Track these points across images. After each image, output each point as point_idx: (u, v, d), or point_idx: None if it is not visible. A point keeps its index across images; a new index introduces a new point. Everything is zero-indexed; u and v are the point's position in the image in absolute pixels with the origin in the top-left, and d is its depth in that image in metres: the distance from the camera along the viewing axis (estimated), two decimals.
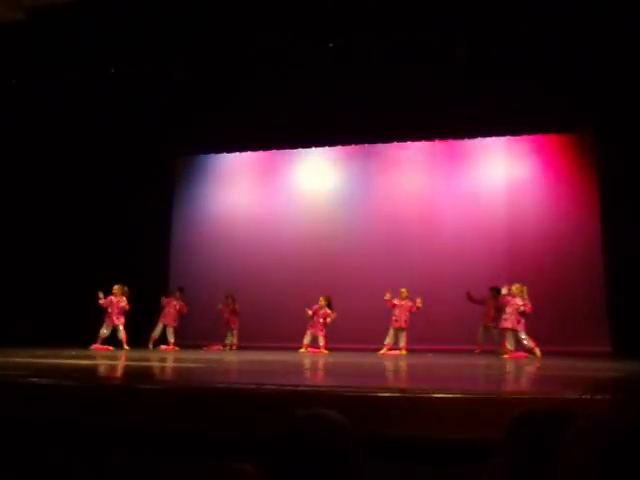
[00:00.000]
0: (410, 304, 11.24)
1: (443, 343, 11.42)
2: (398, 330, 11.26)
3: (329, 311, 11.63)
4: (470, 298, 11.29)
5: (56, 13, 10.60)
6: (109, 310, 11.71)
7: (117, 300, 11.80)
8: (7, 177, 12.11)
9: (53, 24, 10.87)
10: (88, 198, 12.77)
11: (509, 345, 10.15)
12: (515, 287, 10.24)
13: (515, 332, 10.07)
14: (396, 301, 11.33)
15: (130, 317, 12.04)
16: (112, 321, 11.69)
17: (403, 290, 11.34)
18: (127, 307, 11.77)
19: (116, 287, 11.81)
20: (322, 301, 11.69)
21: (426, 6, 9.81)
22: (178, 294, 12.53)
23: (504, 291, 10.29)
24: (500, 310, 10.73)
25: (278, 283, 13.06)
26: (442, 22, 10.00)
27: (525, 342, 10.07)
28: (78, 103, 12.13)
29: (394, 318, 11.27)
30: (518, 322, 10.04)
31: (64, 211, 12.49)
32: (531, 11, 9.58)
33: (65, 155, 12.48)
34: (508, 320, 10.12)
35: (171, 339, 12.28)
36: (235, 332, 12.50)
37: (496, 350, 10.77)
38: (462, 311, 11.53)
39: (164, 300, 12.35)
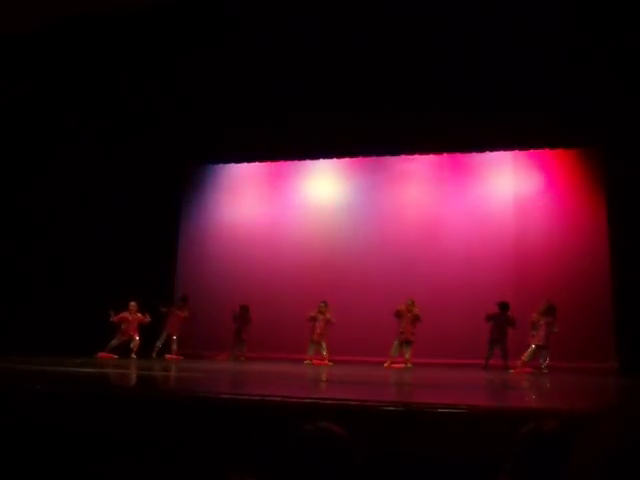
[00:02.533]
0: (415, 314, 11.17)
1: (450, 357, 11.36)
2: (404, 343, 11.19)
3: (328, 315, 11.66)
4: (488, 319, 11.08)
5: (68, 24, 10.69)
6: (123, 326, 11.95)
7: (133, 317, 12.03)
8: (15, 184, 12.18)
9: (65, 34, 10.96)
10: (96, 205, 12.80)
11: (526, 358, 10.20)
12: (547, 305, 10.46)
13: (542, 349, 10.22)
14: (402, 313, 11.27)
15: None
16: (128, 334, 11.93)
17: (409, 302, 11.28)
18: (145, 320, 12.12)
19: (132, 304, 12.09)
20: (323, 307, 11.72)
21: (432, 19, 9.84)
22: (181, 303, 12.60)
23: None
24: (509, 325, 10.80)
25: (284, 294, 13.03)
26: (449, 35, 10.03)
27: (541, 359, 10.14)
28: (88, 110, 12.19)
29: (400, 330, 11.21)
30: (546, 338, 10.28)
31: (71, 218, 12.52)
32: (539, 25, 9.59)
33: (74, 162, 12.53)
34: (536, 337, 10.24)
35: (174, 347, 12.31)
36: (244, 342, 12.48)
37: (504, 365, 10.71)
38: (469, 325, 11.47)
39: (165, 310, 12.42)
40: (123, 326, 11.97)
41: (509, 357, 10.79)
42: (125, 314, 12.01)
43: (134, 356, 11.76)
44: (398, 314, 11.22)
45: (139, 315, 12.10)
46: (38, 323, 11.43)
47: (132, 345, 11.93)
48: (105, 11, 10.33)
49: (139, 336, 12.03)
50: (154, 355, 12.13)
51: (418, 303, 11.46)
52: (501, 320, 10.95)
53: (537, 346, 10.22)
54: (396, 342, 11.21)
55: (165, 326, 12.39)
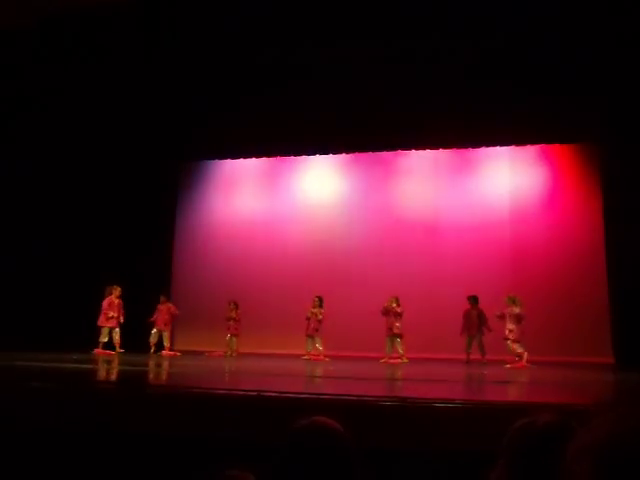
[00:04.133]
0: (396, 311, 11.24)
1: (445, 352, 11.39)
2: (394, 338, 11.27)
3: (316, 311, 11.73)
4: (464, 330, 11.20)
5: (63, 20, 10.65)
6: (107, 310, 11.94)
7: (118, 301, 11.99)
8: (11, 181, 12.15)
9: (60, 30, 10.93)
10: (91, 202, 12.78)
11: (515, 354, 10.26)
12: (507, 298, 10.45)
13: (508, 340, 10.30)
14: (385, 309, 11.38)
15: (132, 322, 12.09)
16: (114, 320, 11.96)
17: (392, 298, 11.33)
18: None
19: (117, 288, 12.03)
20: (317, 302, 11.78)
21: (430, 16, 9.83)
22: (164, 299, 12.55)
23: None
24: (481, 318, 10.96)
25: (280, 290, 13.04)
26: (447, 31, 10.03)
27: (517, 348, 10.23)
28: (83, 108, 12.16)
29: (388, 327, 11.30)
30: (509, 331, 10.26)
31: (68, 215, 12.49)
32: (537, 22, 9.60)
33: (69, 159, 12.50)
34: (506, 330, 10.32)
35: (166, 344, 12.31)
36: (235, 338, 12.48)
37: (481, 359, 10.81)
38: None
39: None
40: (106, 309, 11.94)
41: (485, 351, 10.91)
42: (110, 298, 11.99)
43: (120, 350, 11.77)
44: (384, 311, 11.29)
45: (120, 301, 12.07)
46: (35, 320, 11.43)
47: (116, 338, 11.95)
48: (93, 8, 10.29)
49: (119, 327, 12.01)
50: (152, 350, 12.14)
51: (415, 298, 11.51)
52: (473, 314, 11.07)
53: (507, 339, 10.32)
54: (387, 339, 11.29)
55: (154, 323, 12.39)
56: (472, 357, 10.98)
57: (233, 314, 12.44)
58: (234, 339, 12.45)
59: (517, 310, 10.24)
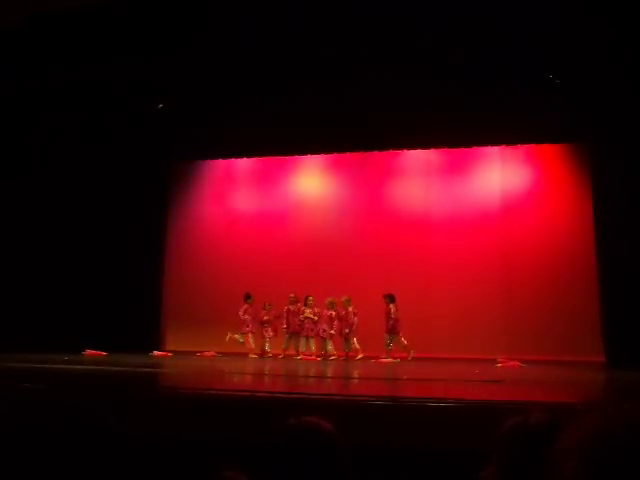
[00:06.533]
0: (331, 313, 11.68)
1: (437, 351, 11.41)
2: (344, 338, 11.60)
3: (308, 311, 11.94)
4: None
5: (55, 19, 10.60)
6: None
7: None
8: (3, 184, 12.10)
9: (52, 29, 10.87)
10: (82, 203, 12.72)
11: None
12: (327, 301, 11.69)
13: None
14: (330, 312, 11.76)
15: (128, 322, 12.08)
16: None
17: (344, 299, 11.66)
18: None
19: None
20: (310, 301, 11.92)
21: (422, 17, 9.84)
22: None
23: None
24: (395, 317, 11.32)
25: (273, 289, 13.01)
26: (439, 32, 10.04)
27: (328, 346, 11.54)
28: (74, 108, 12.10)
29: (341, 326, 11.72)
30: (324, 330, 11.66)
31: (58, 217, 12.42)
32: (528, 22, 9.63)
33: (60, 160, 12.44)
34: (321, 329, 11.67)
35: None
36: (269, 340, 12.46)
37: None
38: (456, 319, 11.52)
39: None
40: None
41: (391, 349, 11.21)
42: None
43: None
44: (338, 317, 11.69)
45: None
46: (25, 320, 11.37)
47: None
48: (82, 6, 10.24)
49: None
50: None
51: (406, 297, 11.59)
52: (388, 313, 11.33)
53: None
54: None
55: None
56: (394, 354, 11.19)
57: (268, 316, 12.33)
58: (268, 341, 12.31)
59: (333, 313, 11.54)
